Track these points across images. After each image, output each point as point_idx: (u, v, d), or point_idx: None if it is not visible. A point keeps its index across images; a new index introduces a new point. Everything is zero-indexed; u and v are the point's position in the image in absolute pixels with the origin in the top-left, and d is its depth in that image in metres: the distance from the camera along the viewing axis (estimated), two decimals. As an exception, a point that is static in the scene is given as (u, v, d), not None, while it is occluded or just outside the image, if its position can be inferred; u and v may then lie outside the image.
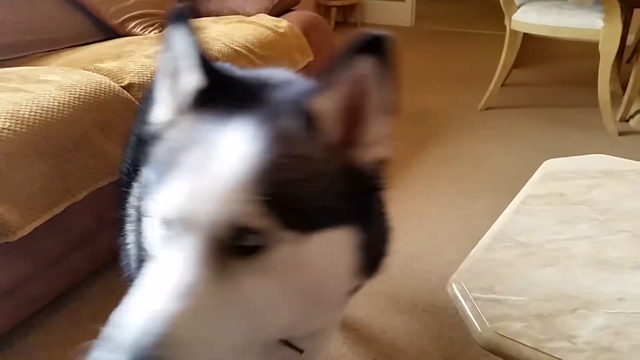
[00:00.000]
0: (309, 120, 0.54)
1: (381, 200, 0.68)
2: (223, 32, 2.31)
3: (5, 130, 1.38)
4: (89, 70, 1.82)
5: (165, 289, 0.48)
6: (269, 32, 2.44)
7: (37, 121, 1.45)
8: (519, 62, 3.29)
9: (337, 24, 5.35)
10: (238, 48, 2.23)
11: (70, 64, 1.93)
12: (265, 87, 0.59)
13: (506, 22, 3.03)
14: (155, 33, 2.47)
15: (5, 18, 2.22)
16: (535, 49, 3.92)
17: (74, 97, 1.59)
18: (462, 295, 0.91)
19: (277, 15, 2.69)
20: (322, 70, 0.54)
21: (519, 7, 2.93)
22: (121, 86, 1.77)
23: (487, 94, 3.17)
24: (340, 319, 0.80)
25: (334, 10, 5.41)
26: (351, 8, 5.61)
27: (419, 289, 1.76)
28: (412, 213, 2.20)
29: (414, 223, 2.13)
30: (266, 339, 0.57)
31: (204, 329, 0.48)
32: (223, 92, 0.56)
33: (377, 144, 0.57)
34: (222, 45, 2.19)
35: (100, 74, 1.79)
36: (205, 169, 0.50)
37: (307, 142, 0.54)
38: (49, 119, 1.48)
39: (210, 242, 0.50)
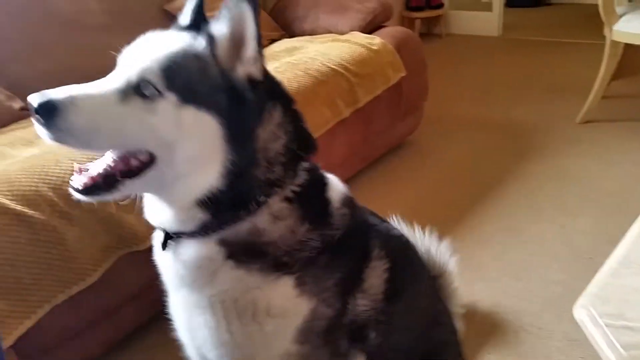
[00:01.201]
0: (209, 37, 0.83)
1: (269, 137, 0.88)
2: (320, 52, 2.38)
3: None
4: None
5: (89, 85, 0.80)
6: (363, 49, 2.49)
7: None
8: (620, 73, 3.15)
9: (421, 35, 5.33)
10: (335, 67, 2.30)
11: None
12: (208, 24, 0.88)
13: (606, 32, 2.92)
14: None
15: (120, 41, 2.41)
16: (637, 58, 3.74)
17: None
18: (591, 321, 0.90)
19: (370, 32, 2.74)
20: (219, 12, 0.83)
21: (620, 17, 2.82)
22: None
23: (586, 106, 3.06)
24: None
25: (418, 22, 5.41)
26: (435, 19, 5.58)
27: (521, 310, 1.73)
28: (508, 228, 2.17)
29: (511, 239, 2.10)
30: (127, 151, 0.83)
31: (93, 109, 0.78)
32: (194, 27, 0.89)
33: (250, 63, 0.82)
34: (320, 64, 2.26)
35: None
36: (149, 46, 0.84)
37: (205, 50, 0.83)
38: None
39: (127, 79, 0.80)
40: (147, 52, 0.82)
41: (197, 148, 0.82)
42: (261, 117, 0.86)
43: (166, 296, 1.04)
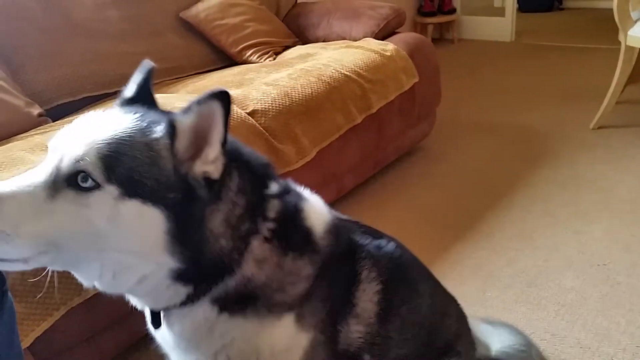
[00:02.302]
0: (170, 127, 0.75)
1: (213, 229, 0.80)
2: (333, 58, 2.40)
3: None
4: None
5: (14, 181, 0.72)
6: (376, 56, 2.50)
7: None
8: (634, 78, 3.13)
9: (433, 40, 5.33)
10: (348, 73, 2.31)
11: (198, 91, 2.09)
12: (160, 109, 0.84)
13: (620, 37, 2.90)
14: (270, 60, 2.60)
15: (137, 49, 2.44)
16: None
17: (207, 124, 1.73)
18: None
19: (383, 39, 2.75)
20: (187, 105, 0.76)
21: (635, 22, 2.81)
22: (246, 112, 1.90)
23: (600, 112, 3.04)
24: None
25: (430, 28, 5.42)
26: (448, 25, 5.59)
27: (535, 316, 1.72)
28: (521, 234, 2.16)
29: (524, 245, 2.09)
30: (58, 256, 0.75)
31: (14, 212, 0.70)
32: (136, 103, 0.83)
33: (209, 163, 0.76)
34: (333, 71, 2.28)
35: (227, 102, 1.92)
36: (85, 130, 0.75)
37: (159, 140, 0.75)
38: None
39: (57, 169, 0.72)
40: (84, 135, 0.73)
41: (142, 242, 0.75)
42: (215, 203, 0.79)
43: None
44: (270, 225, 0.86)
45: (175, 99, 1.95)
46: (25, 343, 1.30)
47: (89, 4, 2.35)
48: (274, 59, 2.63)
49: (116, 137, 0.72)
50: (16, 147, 1.67)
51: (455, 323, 1.22)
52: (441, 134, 3.12)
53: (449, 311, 1.22)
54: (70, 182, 0.72)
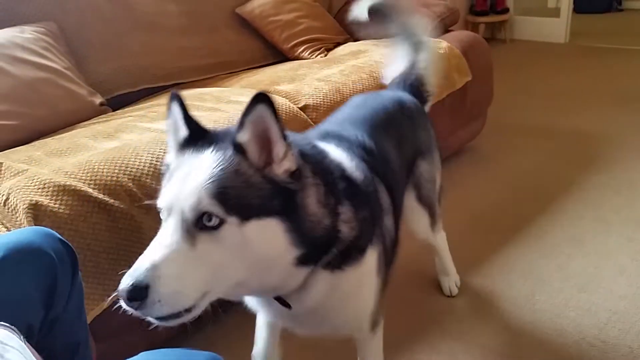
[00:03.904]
0: (237, 148, 0.84)
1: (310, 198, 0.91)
2: (384, 55, 2.39)
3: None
4: (270, 92, 1.99)
5: (154, 249, 0.80)
6: (429, 53, 2.48)
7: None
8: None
9: (485, 40, 5.26)
10: (400, 70, 2.31)
11: (252, 86, 2.14)
12: (218, 133, 0.91)
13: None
14: (321, 56, 2.63)
15: (193, 43, 2.51)
16: None
17: (261, 118, 1.77)
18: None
19: (436, 36, 2.73)
20: (239, 121, 0.84)
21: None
22: (298, 107, 1.93)
23: (659, 117, 2.94)
24: (301, 283, 0.97)
25: (482, 27, 5.34)
26: (500, 24, 5.49)
27: (585, 322, 1.69)
28: (572, 239, 2.12)
29: (575, 250, 2.05)
30: (227, 290, 0.88)
31: (175, 271, 0.79)
32: (196, 138, 0.90)
33: (283, 160, 0.85)
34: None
35: (279, 96, 1.96)
36: (184, 181, 0.83)
37: (239, 162, 0.84)
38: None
39: (184, 220, 0.81)
40: (188, 186, 0.82)
41: (273, 249, 0.87)
42: (304, 191, 0.89)
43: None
44: (341, 188, 0.98)
45: (230, 93, 2.00)
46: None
47: (150, -2, 2.43)
48: (326, 55, 2.65)
49: (213, 176, 0.82)
50: (80, 134, 1.75)
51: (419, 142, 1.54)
52: (491, 134, 3.08)
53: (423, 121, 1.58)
54: (199, 226, 0.81)
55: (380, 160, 1.25)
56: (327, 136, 1.20)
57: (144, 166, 1.48)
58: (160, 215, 0.87)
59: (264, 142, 0.84)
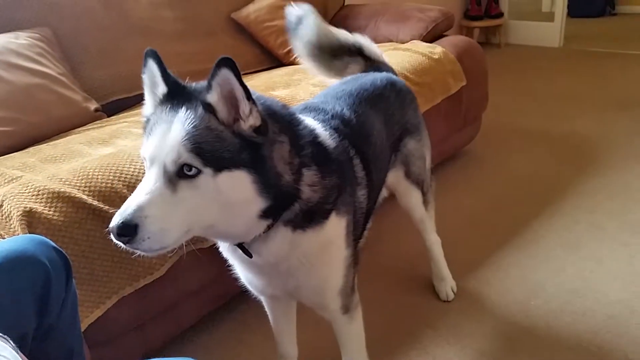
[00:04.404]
0: (207, 107, 0.93)
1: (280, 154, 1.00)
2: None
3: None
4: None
5: (142, 191, 0.90)
6: (424, 58, 2.49)
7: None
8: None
9: (479, 44, 5.28)
10: (395, 75, 2.31)
11: (247, 91, 2.14)
12: (192, 90, 0.98)
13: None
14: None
15: (190, 48, 2.51)
16: None
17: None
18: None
19: (431, 41, 2.74)
20: (207, 83, 0.93)
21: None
22: (294, 113, 1.92)
23: (652, 121, 2.96)
24: (259, 233, 1.05)
25: (476, 31, 5.36)
26: (494, 29, 5.52)
27: (580, 327, 1.69)
28: (567, 244, 2.12)
29: (570, 255, 2.05)
30: (200, 230, 0.98)
31: (160, 213, 0.89)
32: (173, 95, 0.98)
33: (249, 117, 0.93)
34: (380, 72, 2.28)
35: (275, 101, 1.96)
36: (164, 136, 0.92)
37: (210, 120, 0.92)
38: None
39: (166, 171, 0.91)
40: (169, 141, 0.92)
41: (241, 197, 0.96)
42: (270, 146, 0.98)
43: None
44: (308, 152, 1.06)
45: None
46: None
47: (145, 4, 2.43)
48: (321, 60, 2.65)
49: (189, 132, 0.91)
50: (74, 140, 1.74)
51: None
52: (486, 139, 3.09)
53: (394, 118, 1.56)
54: (180, 174, 0.91)
55: (360, 133, 1.32)
56: (306, 109, 1.29)
57: (138, 172, 1.48)
58: (143, 163, 0.97)
59: (231, 101, 0.93)
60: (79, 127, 1.92)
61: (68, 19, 2.18)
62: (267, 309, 1.49)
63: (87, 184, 1.42)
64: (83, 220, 1.37)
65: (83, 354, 1.09)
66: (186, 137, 0.91)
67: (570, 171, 2.72)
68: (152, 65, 1.01)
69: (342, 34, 1.73)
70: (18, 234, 1.25)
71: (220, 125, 0.93)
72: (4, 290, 0.87)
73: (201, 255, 1.48)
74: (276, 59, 2.71)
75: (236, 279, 1.32)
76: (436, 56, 2.53)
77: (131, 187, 1.45)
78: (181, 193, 0.91)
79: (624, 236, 2.14)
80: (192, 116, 0.92)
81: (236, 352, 1.73)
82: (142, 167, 1.50)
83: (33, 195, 1.35)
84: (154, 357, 0.97)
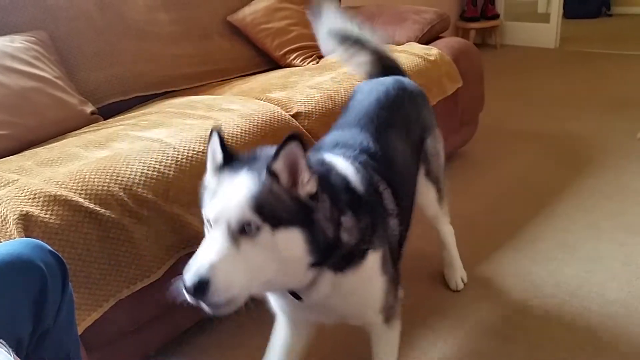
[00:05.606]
0: (272, 173, 1.01)
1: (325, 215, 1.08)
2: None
3: (200, 153, 1.59)
4: (262, 100, 2.00)
5: (209, 251, 0.97)
6: (420, 60, 2.50)
7: (224, 146, 1.64)
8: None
9: (475, 46, 5.29)
10: (391, 77, 2.31)
11: (243, 93, 2.14)
12: (253, 158, 1.07)
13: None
14: (313, 64, 2.63)
15: (185, 51, 2.51)
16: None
17: (253, 125, 1.77)
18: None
19: (427, 43, 2.75)
20: (275, 151, 1.01)
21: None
22: (290, 115, 1.93)
23: (648, 121, 2.97)
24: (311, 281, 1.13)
25: (472, 33, 5.37)
26: (490, 30, 5.54)
27: (577, 327, 1.70)
28: (564, 244, 2.13)
29: (567, 255, 2.06)
30: (259, 286, 1.05)
31: (227, 272, 0.96)
32: (232, 163, 1.07)
33: (306, 185, 1.02)
34: (376, 74, 2.28)
35: (272, 104, 1.96)
36: (227, 197, 1.00)
37: (272, 184, 1.01)
38: (233, 144, 1.66)
39: (230, 229, 0.98)
40: (232, 201, 0.99)
41: (295, 253, 1.03)
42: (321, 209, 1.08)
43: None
44: (343, 200, 1.13)
45: (222, 100, 2.00)
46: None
47: (141, 6, 2.43)
48: (318, 62, 2.65)
49: (252, 193, 0.99)
50: (71, 143, 1.74)
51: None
52: (483, 140, 3.09)
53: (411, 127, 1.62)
54: (242, 232, 0.98)
55: (386, 163, 1.38)
56: (336, 146, 1.37)
57: (135, 175, 1.48)
58: (205, 224, 1.05)
59: (293, 170, 1.02)
60: (75, 130, 1.92)
61: (64, 22, 2.18)
62: (280, 326, 1.49)
63: (84, 187, 1.42)
64: (79, 224, 1.37)
65: (80, 357, 1.09)
66: (250, 198, 0.99)
67: (567, 172, 2.73)
68: (214, 139, 1.10)
69: (350, 26, 1.78)
70: (14, 238, 1.25)
71: (281, 189, 1.01)
72: (0, 295, 0.87)
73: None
74: (273, 61, 2.71)
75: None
76: (432, 58, 2.53)
77: (127, 190, 1.45)
78: (244, 250, 0.98)
79: (621, 236, 2.15)
80: (257, 180, 1.01)
81: (234, 355, 1.73)
82: (138, 170, 1.50)
83: (29, 198, 1.34)
84: (152, 360, 0.97)
